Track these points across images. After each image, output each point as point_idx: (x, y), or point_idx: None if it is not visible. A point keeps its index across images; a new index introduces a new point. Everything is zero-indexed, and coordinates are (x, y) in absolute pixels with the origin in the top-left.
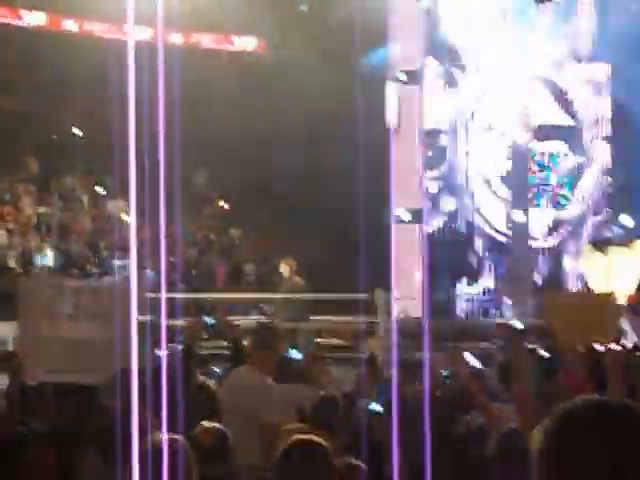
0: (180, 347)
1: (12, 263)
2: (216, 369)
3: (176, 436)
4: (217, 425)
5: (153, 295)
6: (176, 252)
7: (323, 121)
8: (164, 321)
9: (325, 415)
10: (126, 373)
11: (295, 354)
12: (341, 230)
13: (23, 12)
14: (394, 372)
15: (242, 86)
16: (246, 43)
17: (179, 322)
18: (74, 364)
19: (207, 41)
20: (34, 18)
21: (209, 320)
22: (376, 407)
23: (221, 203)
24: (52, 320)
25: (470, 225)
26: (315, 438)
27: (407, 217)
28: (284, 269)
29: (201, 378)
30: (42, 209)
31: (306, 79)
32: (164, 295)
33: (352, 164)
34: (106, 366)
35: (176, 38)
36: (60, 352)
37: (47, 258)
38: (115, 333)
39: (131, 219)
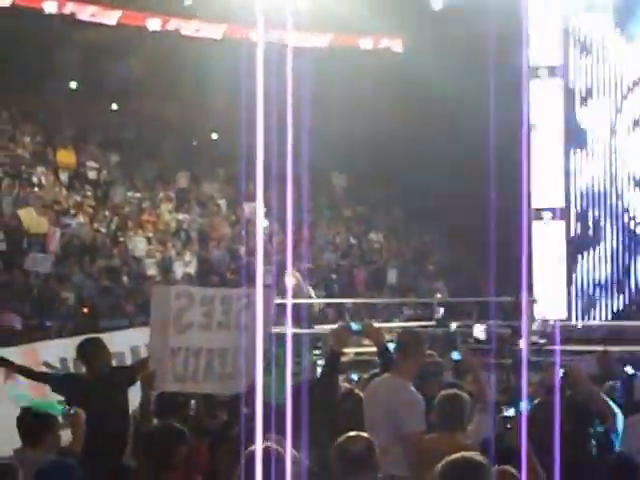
0: (325, 354)
1: (152, 271)
2: (355, 376)
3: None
4: (364, 434)
5: (290, 302)
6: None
7: (461, 121)
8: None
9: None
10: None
11: (456, 355)
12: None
13: (156, 19)
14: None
15: (381, 87)
16: (384, 43)
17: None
18: (204, 374)
19: (345, 41)
20: (170, 24)
21: (355, 326)
22: (516, 412)
23: (360, 207)
24: (182, 330)
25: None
26: (476, 457)
27: (549, 217)
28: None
29: (348, 386)
30: (181, 216)
31: (443, 78)
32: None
33: (493, 163)
34: (237, 375)
35: (320, 40)
36: (190, 362)
37: (187, 265)
38: (246, 342)
39: (258, 225)
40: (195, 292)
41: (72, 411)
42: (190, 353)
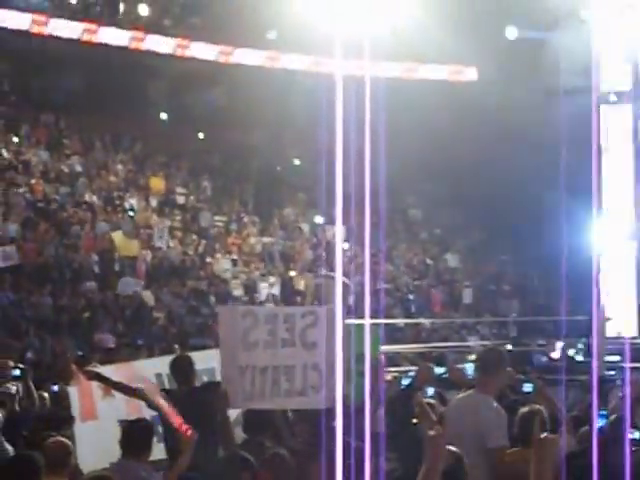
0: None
1: (237, 292)
2: (430, 390)
3: None
4: (453, 448)
5: (368, 322)
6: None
7: (536, 145)
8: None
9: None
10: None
11: (528, 387)
12: (557, 255)
13: (245, 50)
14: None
15: (455, 115)
16: (460, 74)
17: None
18: (271, 391)
19: (421, 72)
20: (254, 56)
21: (440, 371)
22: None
23: (436, 229)
24: (249, 348)
25: None
26: None
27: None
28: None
29: (425, 401)
30: (266, 239)
31: (518, 105)
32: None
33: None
34: (308, 392)
35: (392, 70)
36: (257, 379)
37: (271, 287)
38: (313, 359)
39: (337, 246)
40: (259, 311)
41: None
42: (257, 371)
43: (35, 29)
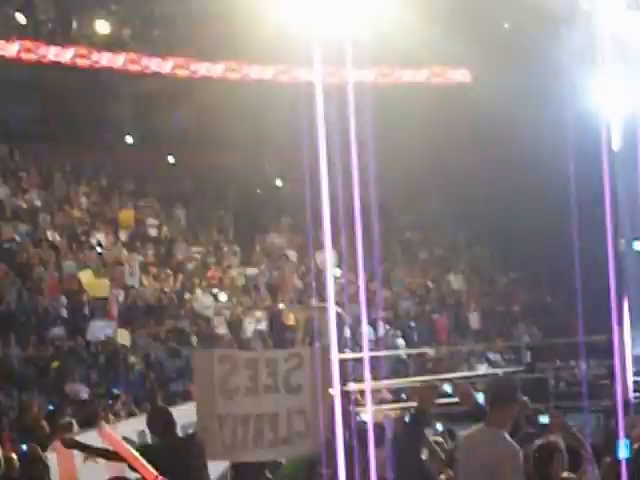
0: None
1: (221, 330)
2: (440, 426)
3: None
4: None
5: (367, 354)
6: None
7: (535, 153)
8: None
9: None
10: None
11: (544, 419)
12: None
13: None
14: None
15: (452, 123)
16: (452, 75)
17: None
18: (254, 440)
19: (411, 76)
20: (217, 69)
21: (446, 388)
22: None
23: (435, 248)
24: (229, 395)
25: None
26: None
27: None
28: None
29: (433, 439)
30: (249, 270)
31: (512, 107)
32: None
33: (574, 195)
34: (295, 439)
35: (381, 76)
36: (238, 430)
37: (258, 322)
38: (298, 403)
39: (328, 273)
40: (238, 356)
41: None
42: (238, 420)
43: None
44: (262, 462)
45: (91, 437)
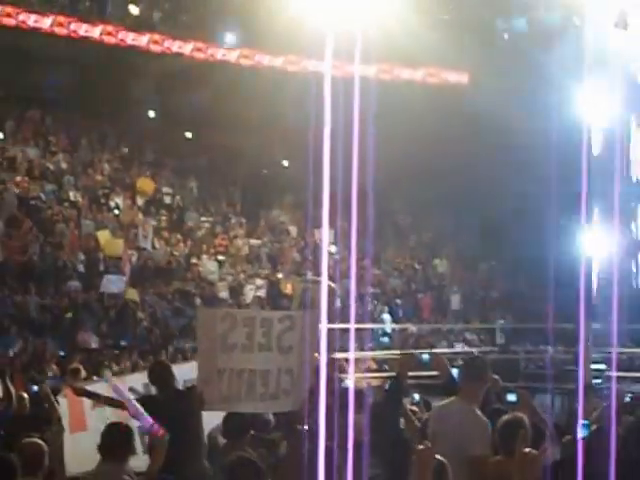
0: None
1: (223, 294)
2: (416, 396)
3: None
4: (438, 457)
5: (353, 326)
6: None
7: (521, 151)
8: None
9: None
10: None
11: (512, 397)
12: (546, 260)
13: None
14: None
15: (446, 118)
16: (449, 77)
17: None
18: (246, 394)
19: (411, 75)
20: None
21: (424, 357)
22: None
23: (424, 234)
24: (227, 350)
25: None
26: None
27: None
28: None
29: (410, 409)
30: (253, 241)
31: (503, 107)
32: (353, 326)
33: (558, 192)
34: (281, 395)
35: (383, 72)
36: (234, 382)
37: (258, 289)
38: (287, 363)
39: (324, 251)
40: (237, 314)
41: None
42: (234, 374)
43: (23, 25)
44: (251, 417)
45: (99, 387)
